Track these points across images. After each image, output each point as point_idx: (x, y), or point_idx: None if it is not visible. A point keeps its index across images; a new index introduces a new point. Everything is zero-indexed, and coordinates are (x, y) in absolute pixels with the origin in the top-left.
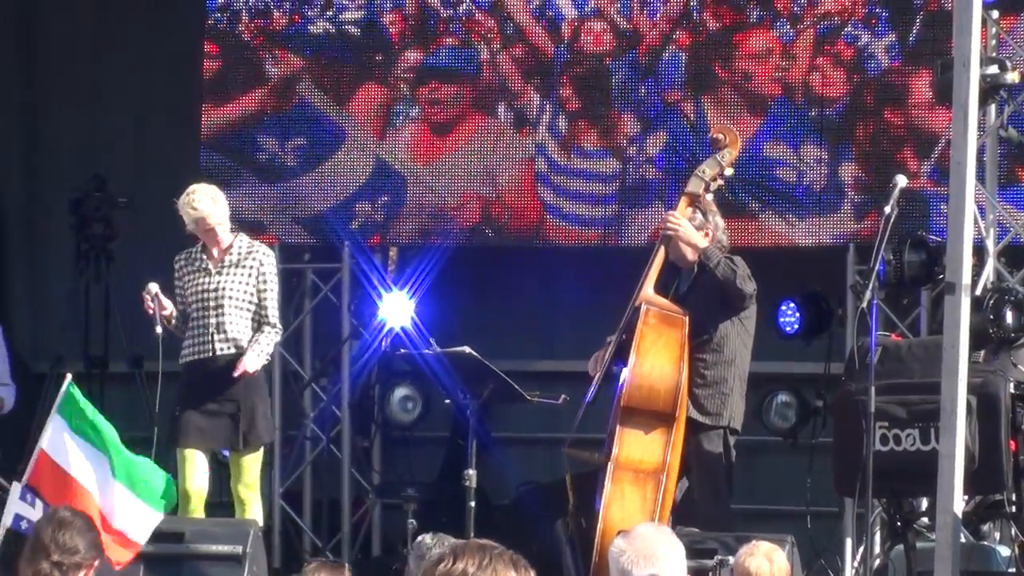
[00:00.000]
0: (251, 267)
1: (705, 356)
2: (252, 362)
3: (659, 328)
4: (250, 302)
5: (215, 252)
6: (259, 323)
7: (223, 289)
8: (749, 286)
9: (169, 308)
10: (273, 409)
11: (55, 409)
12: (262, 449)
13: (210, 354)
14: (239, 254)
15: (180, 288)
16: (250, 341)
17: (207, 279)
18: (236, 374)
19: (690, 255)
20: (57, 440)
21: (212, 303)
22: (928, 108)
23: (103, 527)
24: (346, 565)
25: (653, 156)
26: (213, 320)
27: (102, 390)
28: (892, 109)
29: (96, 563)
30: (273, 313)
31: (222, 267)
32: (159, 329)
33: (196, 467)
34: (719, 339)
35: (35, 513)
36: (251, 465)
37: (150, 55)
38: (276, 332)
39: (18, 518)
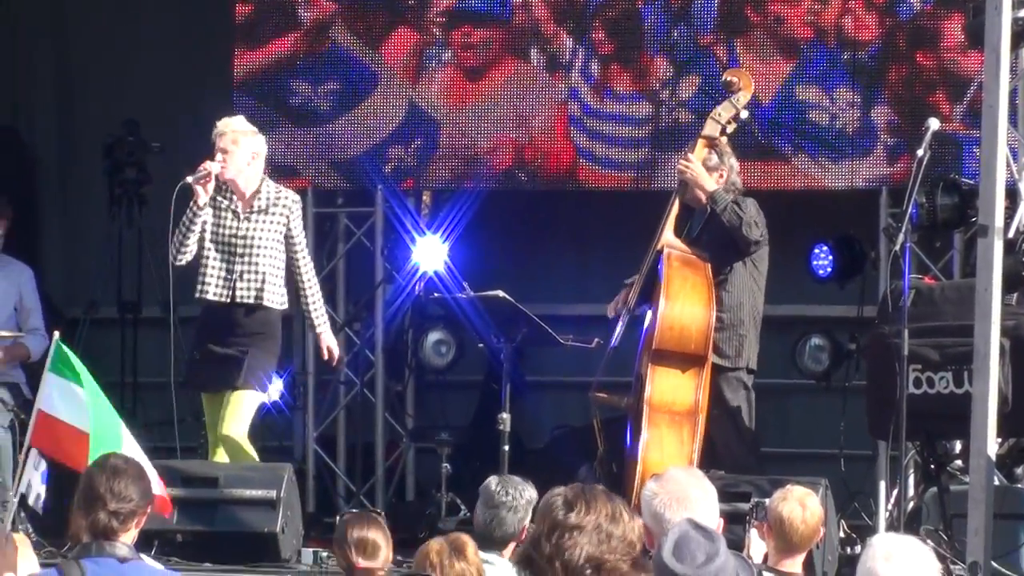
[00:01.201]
0: (280, 214)
1: (721, 297)
2: (331, 338)
3: (683, 271)
4: (278, 250)
5: (244, 196)
6: (293, 272)
7: (251, 237)
8: (755, 232)
9: (206, 200)
10: (306, 353)
11: (47, 368)
12: (254, 399)
13: (229, 300)
14: (267, 200)
15: (198, 210)
16: (307, 310)
17: (235, 223)
18: (325, 358)
19: (703, 196)
20: (51, 395)
21: (239, 249)
22: (960, 51)
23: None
24: (381, 514)
25: (686, 99)
26: (237, 267)
27: (135, 335)
28: (924, 52)
29: (148, 510)
30: (303, 251)
31: (251, 213)
32: (204, 202)
33: (218, 413)
34: (732, 280)
35: (37, 476)
36: (236, 407)
37: (182, 3)
38: (314, 282)
39: (32, 490)
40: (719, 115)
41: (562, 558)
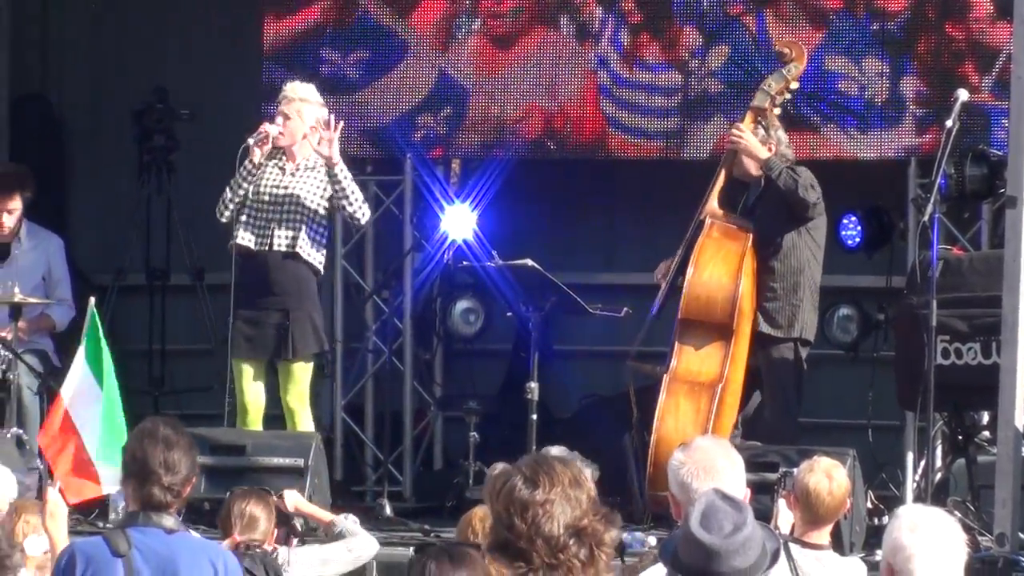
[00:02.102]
0: (320, 175)
1: (774, 267)
2: (336, 151)
3: (720, 241)
4: (319, 207)
5: (294, 157)
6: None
7: (293, 190)
8: (812, 195)
9: (260, 157)
10: (335, 321)
11: (81, 345)
12: (312, 361)
13: (267, 248)
14: (316, 159)
15: (252, 168)
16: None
17: (280, 177)
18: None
19: (754, 169)
20: (74, 395)
21: (280, 199)
22: (989, 22)
23: (76, 462)
24: (270, 492)
25: (715, 69)
26: (278, 216)
27: (164, 302)
28: (953, 23)
29: (194, 481)
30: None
31: (296, 169)
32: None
33: (249, 379)
34: (786, 250)
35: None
36: (300, 375)
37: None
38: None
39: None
40: (769, 86)
41: (542, 534)
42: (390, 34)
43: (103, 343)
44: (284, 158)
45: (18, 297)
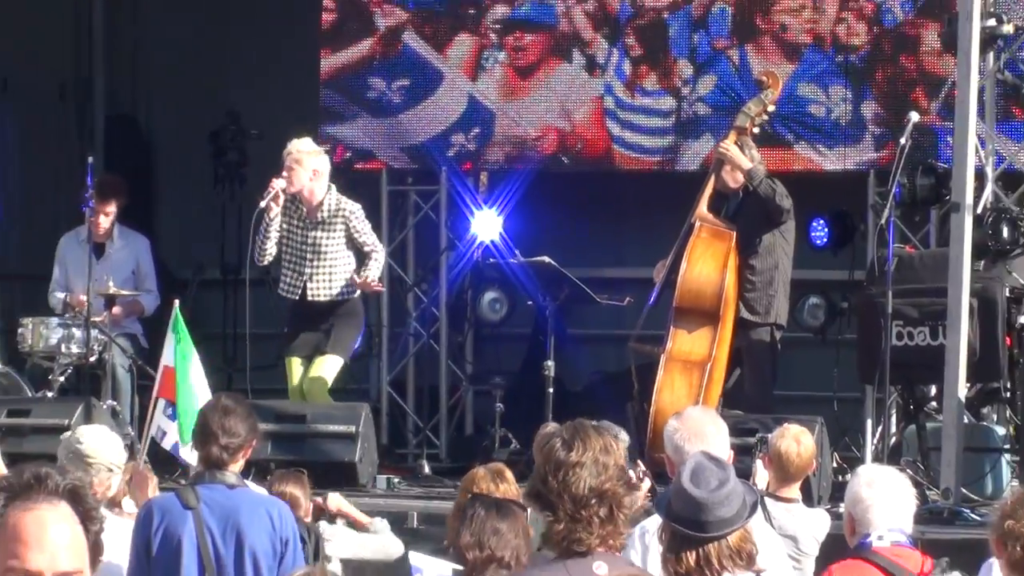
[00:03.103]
0: (340, 223)
1: (753, 264)
2: (375, 274)
3: (709, 241)
4: (344, 253)
5: (311, 206)
6: (363, 255)
7: (318, 244)
8: (786, 203)
9: (276, 211)
10: (382, 309)
11: (170, 328)
12: (338, 363)
13: (298, 297)
14: (328, 211)
15: (269, 222)
16: (363, 268)
17: (303, 232)
18: (369, 290)
19: (733, 182)
20: (171, 354)
21: (308, 255)
22: (937, 55)
23: None
24: (304, 473)
25: (704, 95)
26: (307, 270)
27: (236, 293)
28: (906, 56)
29: (254, 443)
30: (371, 243)
31: (316, 224)
32: (268, 207)
33: (297, 371)
34: (764, 249)
35: (171, 424)
36: (323, 366)
37: (278, 9)
38: (379, 253)
39: (160, 432)
40: (749, 109)
41: (569, 492)
42: (428, 65)
43: (187, 339)
44: (303, 209)
45: (112, 289)
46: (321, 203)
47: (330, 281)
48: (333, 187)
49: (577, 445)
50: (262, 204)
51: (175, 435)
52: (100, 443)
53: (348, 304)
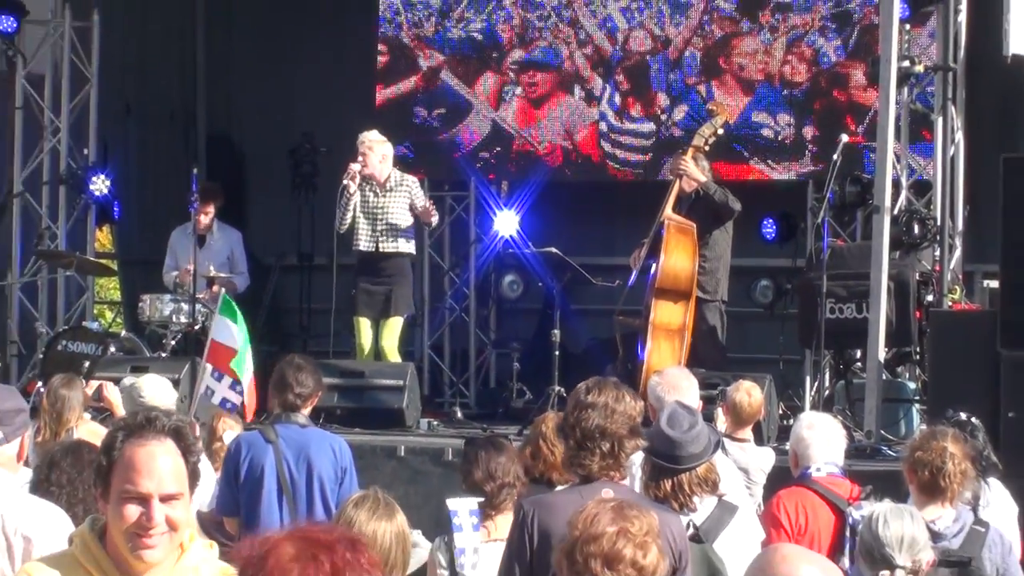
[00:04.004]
0: (404, 191)
1: (705, 254)
2: (430, 207)
3: (678, 235)
4: (406, 214)
5: (379, 181)
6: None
7: (386, 207)
8: (737, 205)
9: (354, 189)
10: (422, 290)
11: (216, 311)
12: (402, 319)
13: (376, 249)
14: (395, 182)
15: (349, 196)
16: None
17: (375, 199)
18: (427, 216)
19: (689, 187)
20: (220, 329)
21: (379, 215)
22: (863, 89)
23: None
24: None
25: (678, 121)
26: (379, 226)
27: (310, 276)
28: (838, 90)
29: (320, 394)
30: (425, 200)
31: (385, 191)
32: (347, 185)
33: (365, 330)
34: (712, 242)
35: (220, 386)
36: (393, 328)
37: (342, 52)
38: (431, 205)
39: (208, 390)
40: (703, 131)
41: (580, 426)
42: (460, 97)
43: (237, 313)
44: (373, 183)
45: (212, 271)
46: (388, 177)
47: (396, 236)
48: (395, 168)
49: (595, 391)
50: (344, 182)
51: (221, 393)
52: (156, 390)
53: (403, 262)
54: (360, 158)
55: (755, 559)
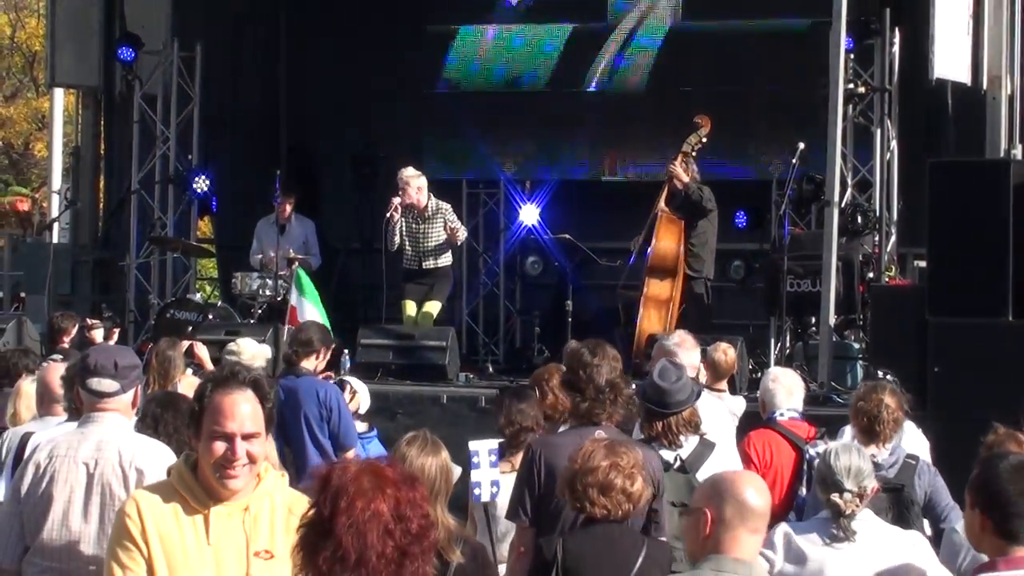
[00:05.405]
0: (440, 217)
1: (693, 240)
2: (460, 230)
3: (668, 224)
4: (443, 236)
5: (420, 209)
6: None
7: (427, 232)
8: (710, 204)
9: (398, 218)
10: (461, 269)
11: (292, 282)
12: (438, 305)
13: (418, 267)
14: (432, 211)
15: (394, 225)
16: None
17: (417, 225)
18: (455, 237)
19: (680, 185)
20: (297, 298)
21: (420, 238)
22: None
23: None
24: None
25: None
26: (421, 248)
27: (372, 259)
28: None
29: (323, 350)
30: (458, 225)
31: (425, 219)
32: (391, 216)
33: (410, 309)
34: (699, 230)
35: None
36: (433, 306)
37: (401, 77)
38: (462, 229)
39: None
40: (689, 140)
41: (593, 382)
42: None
43: (308, 284)
44: (415, 211)
45: (291, 254)
46: (426, 206)
47: (436, 256)
48: (432, 195)
49: (599, 352)
50: (388, 214)
51: None
52: (253, 350)
53: (444, 270)
54: (400, 192)
55: (707, 479)
